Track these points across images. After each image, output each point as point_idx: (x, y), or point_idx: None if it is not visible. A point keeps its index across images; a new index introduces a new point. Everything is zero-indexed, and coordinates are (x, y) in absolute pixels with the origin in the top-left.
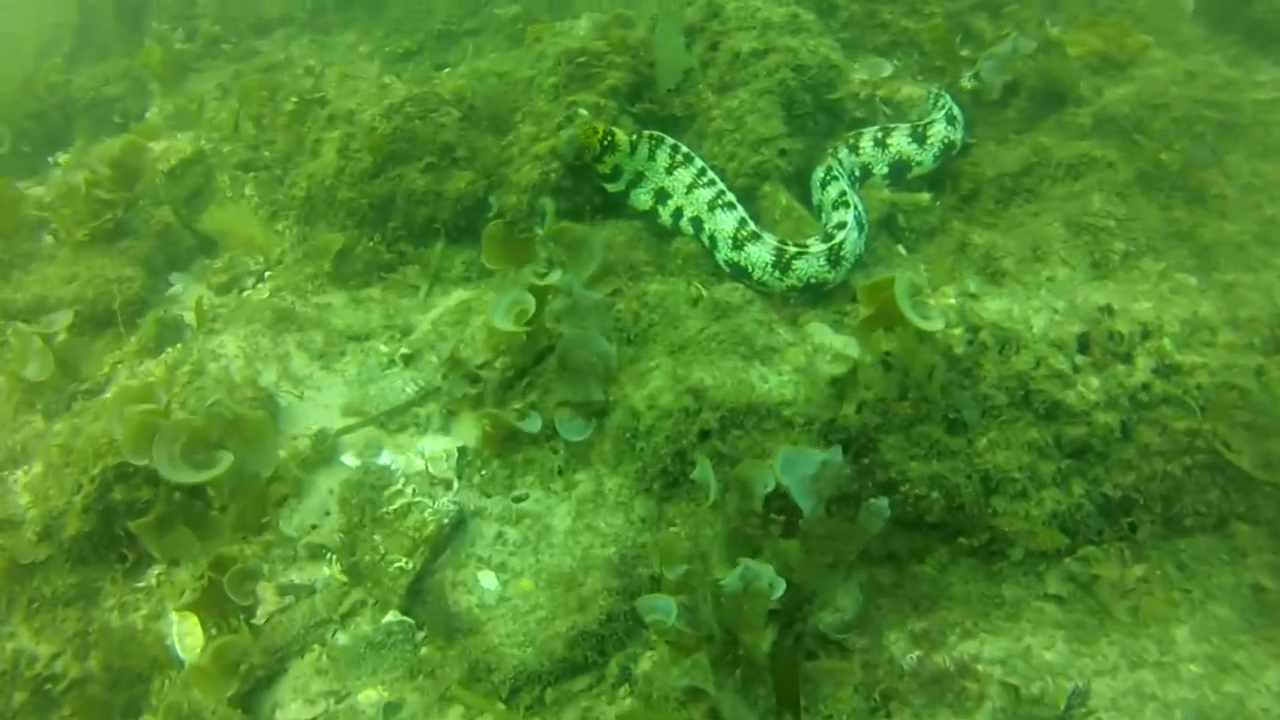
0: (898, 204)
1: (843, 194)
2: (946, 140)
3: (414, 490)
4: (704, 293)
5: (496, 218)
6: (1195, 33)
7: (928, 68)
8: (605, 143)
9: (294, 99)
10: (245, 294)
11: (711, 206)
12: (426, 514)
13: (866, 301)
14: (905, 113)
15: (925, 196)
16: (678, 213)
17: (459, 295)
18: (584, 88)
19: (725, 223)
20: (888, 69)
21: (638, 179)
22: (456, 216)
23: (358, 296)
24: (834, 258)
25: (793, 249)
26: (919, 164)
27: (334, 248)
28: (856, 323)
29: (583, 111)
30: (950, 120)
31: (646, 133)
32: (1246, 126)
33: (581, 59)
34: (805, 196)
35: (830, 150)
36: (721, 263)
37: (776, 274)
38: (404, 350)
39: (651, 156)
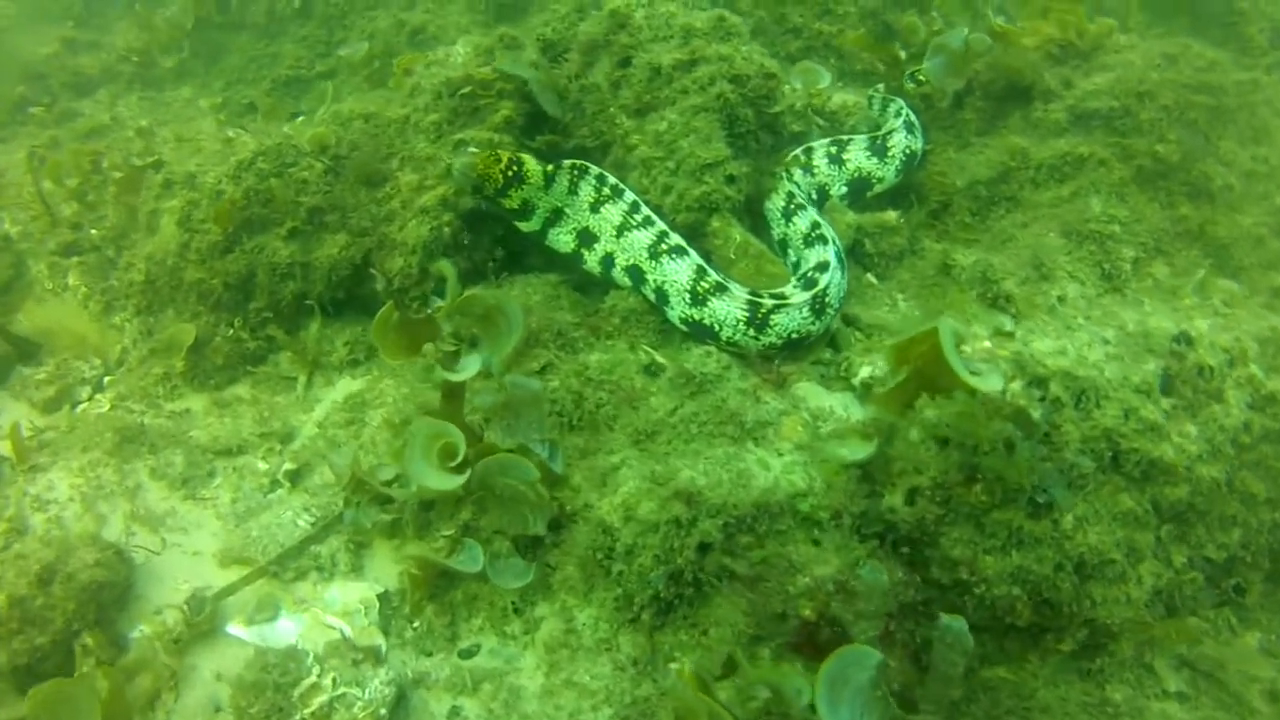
0: (863, 227)
1: (816, 226)
2: (908, 151)
3: (334, 678)
4: (657, 358)
5: (385, 290)
6: (1140, 19)
7: (847, 73)
8: (511, 173)
9: (124, 165)
10: (80, 409)
11: (654, 253)
12: (356, 709)
13: (896, 361)
14: (841, 123)
15: (892, 215)
16: (608, 260)
17: (347, 385)
18: (472, 123)
19: (677, 272)
20: (826, 77)
21: (556, 216)
22: (332, 289)
23: (222, 398)
24: (818, 307)
25: (769, 301)
26: (880, 180)
27: (186, 341)
28: (883, 390)
29: (473, 150)
30: (910, 128)
31: (568, 162)
32: (1233, 110)
33: (465, 90)
34: (758, 228)
35: (782, 172)
36: (676, 320)
37: (751, 332)
38: (288, 465)
39: (573, 190)
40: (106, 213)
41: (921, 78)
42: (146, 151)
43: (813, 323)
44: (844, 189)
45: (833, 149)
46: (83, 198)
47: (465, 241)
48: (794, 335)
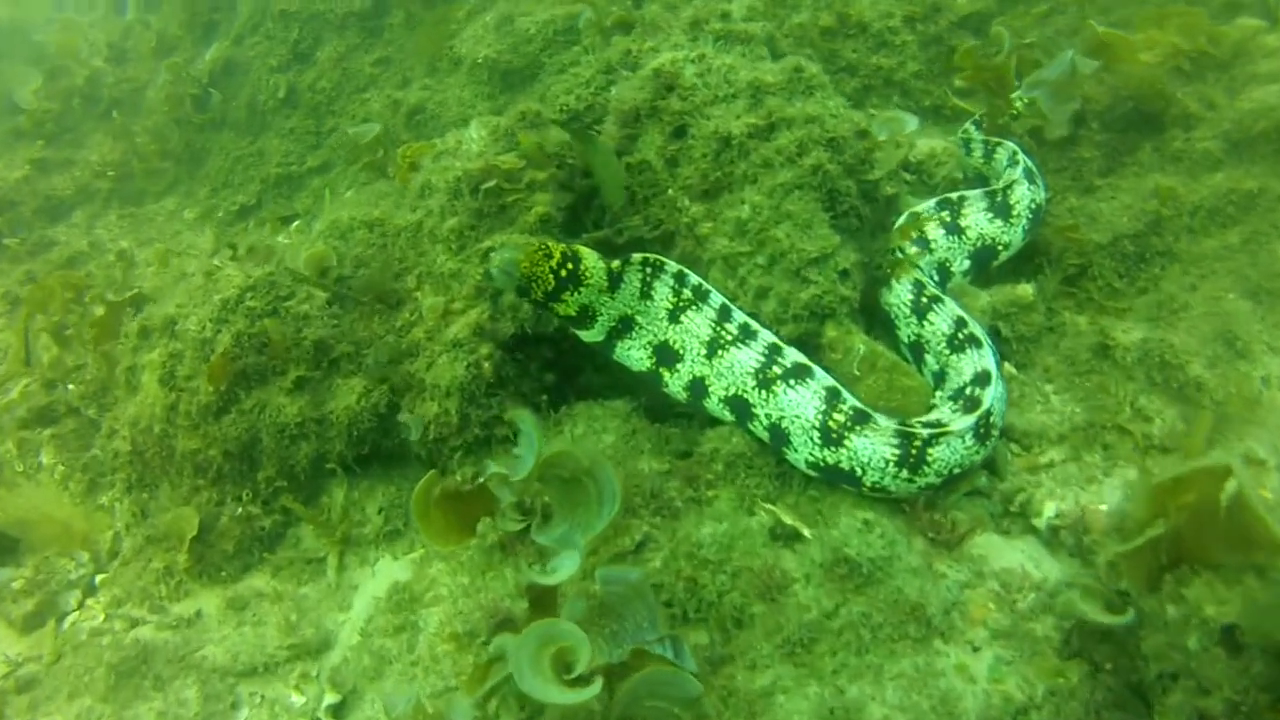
0: (998, 308)
1: (962, 325)
2: (1034, 205)
3: None
4: (784, 519)
5: (419, 440)
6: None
7: (914, 111)
8: (565, 271)
9: (101, 300)
10: (68, 623)
11: (764, 379)
12: None
13: (1144, 509)
14: (931, 175)
15: (1028, 290)
16: (697, 386)
17: (388, 570)
18: (500, 225)
19: (800, 404)
20: (912, 123)
21: (626, 325)
22: (354, 445)
23: (238, 594)
24: (983, 431)
25: (923, 431)
26: (1006, 246)
27: (189, 531)
28: (1119, 549)
29: (515, 244)
30: (1030, 176)
31: (638, 257)
32: None
33: (488, 185)
34: (873, 328)
35: (893, 251)
36: (801, 465)
37: (904, 475)
38: (329, 698)
39: (645, 294)
40: (86, 360)
41: (1018, 107)
42: (124, 284)
43: (977, 452)
44: (967, 263)
45: (945, 214)
46: (61, 337)
47: (510, 374)
48: (956, 471)
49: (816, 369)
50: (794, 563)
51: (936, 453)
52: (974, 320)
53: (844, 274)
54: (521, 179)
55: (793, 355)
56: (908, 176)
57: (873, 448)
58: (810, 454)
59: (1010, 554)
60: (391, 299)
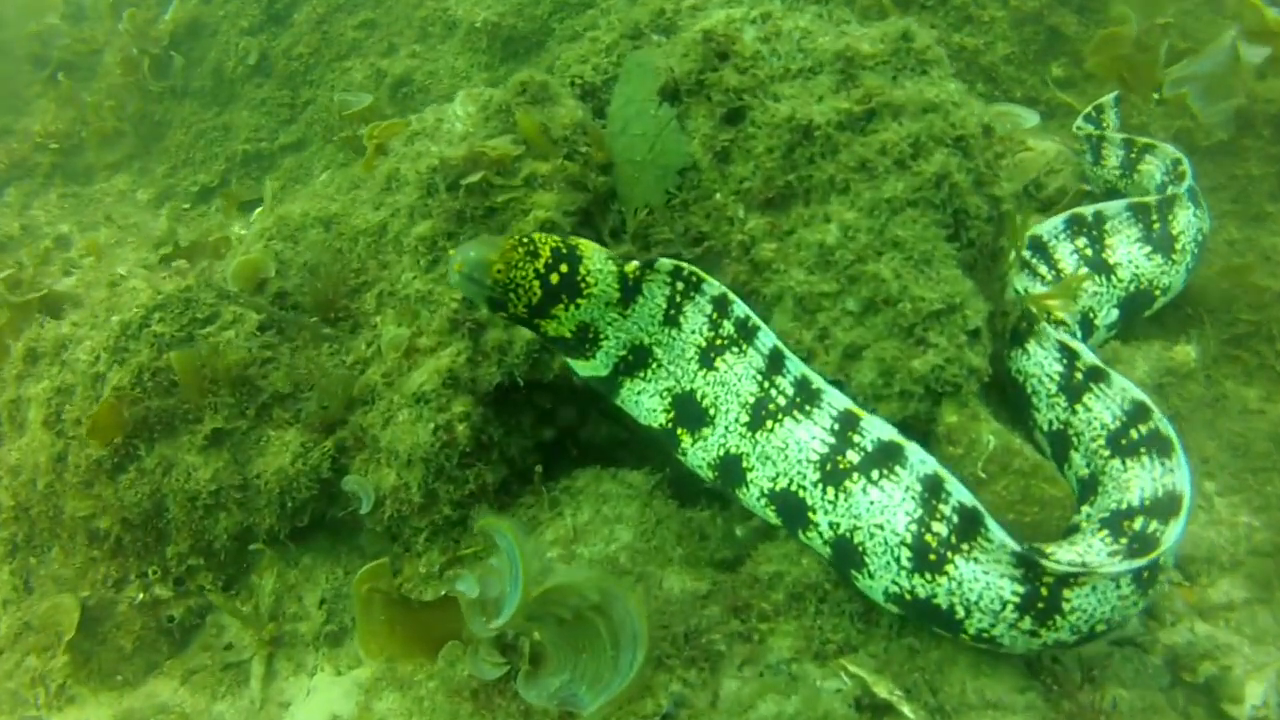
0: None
1: (1138, 417)
2: (1200, 236)
3: None
4: (877, 691)
5: (369, 516)
6: None
7: (1001, 99)
8: (558, 276)
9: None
10: None
11: (831, 471)
12: None
13: None
14: (1042, 186)
15: (1189, 354)
16: (730, 466)
17: (328, 692)
18: (487, 232)
19: (886, 508)
20: (1031, 119)
21: (639, 358)
22: (289, 516)
23: (133, 709)
24: (1149, 578)
25: (1058, 565)
26: (1164, 290)
27: (68, 623)
28: None
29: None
30: (1194, 198)
31: (666, 263)
32: None
33: (472, 178)
34: (1001, 408)
35: (1021, 293)
36: (879, 596)
37: (1026, 624)
38: None
39: (671, 318)
40: None
41: (1159, 96)
42: (32, 282)
43: (1135, 604)
44: (1115, 313)
45: (1082, 242)
46: None
47: (494, 438)
48: (1099, 628)
49: (908, 447)
50: None
51: (1077, 599)
52: (1159, 413)
53: (974, 335)
54: (518, 172)
55: (876, 428)
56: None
57: (984, 579)
58: (895, 582)
59: None
60: (344, 322)
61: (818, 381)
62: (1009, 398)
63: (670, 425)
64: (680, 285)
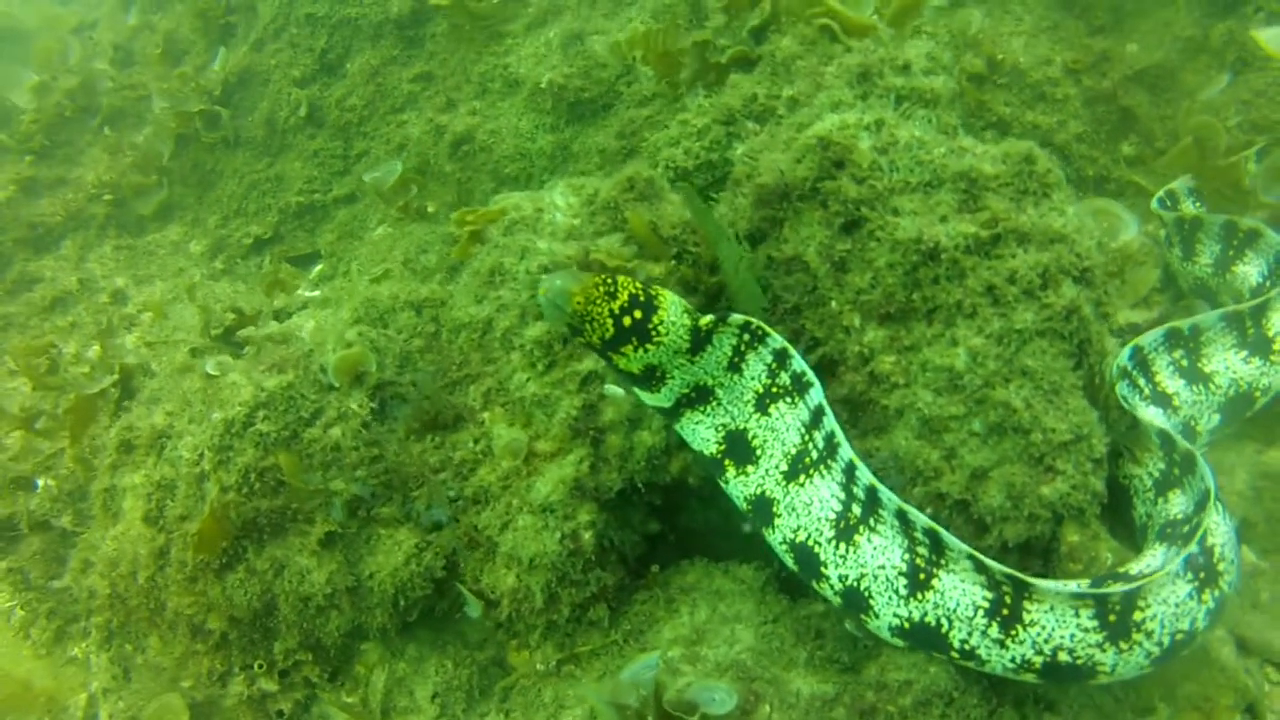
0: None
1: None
2: None
3: None
4: None
5: (485, 616)
6: None
7: (1074, 177)
8: (630, 320)
9: (76, 384)
10: None
11: (843, 528)
12: None
13: None
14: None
15: None
16: (762, 507)
17: None
18: None
19: (884, 553)
20: (1132, 227)
21: (701, 395)
22: (400, 614)
23: None
24: (1118, 621)
25: (1001, 567)
26: (1265, 391)
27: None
28: None
29: (614, 390)
30: None
31: (737, 318)
32: None
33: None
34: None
35: (1128, 405)
36: (887, 634)
37: (995, 631)
38: None
39: (735, 366)
40: (64, 446)
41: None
42: (105, 352)
43: (1101, 644)
44: (1217, 418)
45: (1179, 354)
46: (31, 422)
47: (613, 541)
48: (1063, 657)
49: (880, 488)
50: None
51: (1037, 613)
52: (1222, 521)
53: (1098, 462)
54: (631, 271)
55: (864, 475)
56: None
57: (961, 586)
58: (894, 614)
59: None
60: (447, 415)
61: (838, 434)
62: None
63: (719, 456)
64: (746, 337)
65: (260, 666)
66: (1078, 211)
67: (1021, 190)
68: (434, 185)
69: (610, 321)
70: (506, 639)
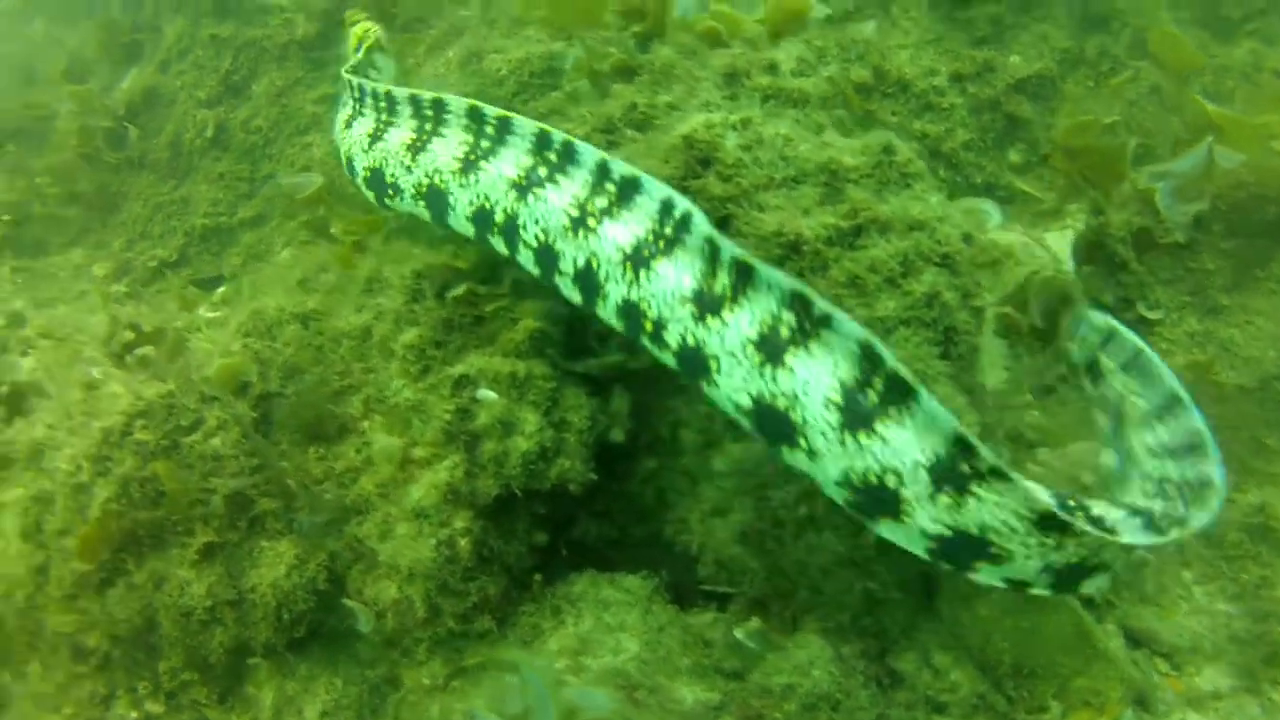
0: None
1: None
2: None
3: None
4: None
5: (373, 629)
6: None
7: (961, 188)
8: None
9: None
10: None
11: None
12: None
13: None
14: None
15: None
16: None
17: None
18: (476, 341)
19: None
20: (995, 217)
21: None
22: (285, 629)
23: None
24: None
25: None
26: None
27: None
28: None
29: (487, 393)
30: None
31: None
32: None
33: (458, 292)
34: None
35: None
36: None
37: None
38: None
39: None
40: None
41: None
42: None
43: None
44: None
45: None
46: None
47: (494, 549)
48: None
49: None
50: None
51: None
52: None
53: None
54: (504, 280)
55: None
56: None
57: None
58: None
59: None
60: (329, 426)
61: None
62: None
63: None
64: None
65: (145, 688)
66: (941, 201)
67: (883, 181)
68: (341, 206)
69: None
70: (399, 656)
